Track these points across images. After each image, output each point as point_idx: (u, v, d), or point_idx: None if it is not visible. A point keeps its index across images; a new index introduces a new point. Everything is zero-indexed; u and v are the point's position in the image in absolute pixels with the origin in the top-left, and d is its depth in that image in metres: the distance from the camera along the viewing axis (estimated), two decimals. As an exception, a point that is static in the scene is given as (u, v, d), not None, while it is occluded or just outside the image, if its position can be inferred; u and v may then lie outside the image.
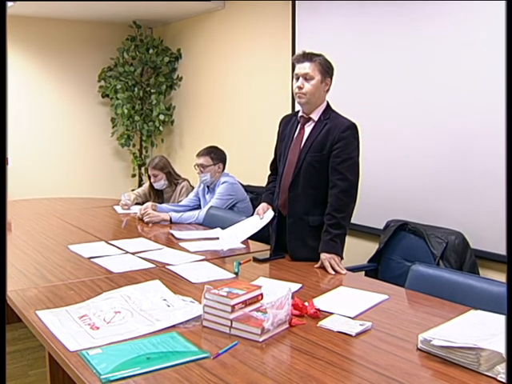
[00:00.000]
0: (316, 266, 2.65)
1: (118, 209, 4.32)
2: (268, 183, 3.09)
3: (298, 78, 2.74)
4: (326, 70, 2.74)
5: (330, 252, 2.62)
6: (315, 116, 2.78)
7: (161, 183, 4.39)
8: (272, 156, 3.08)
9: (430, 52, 3.48)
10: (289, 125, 2.92)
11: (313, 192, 2.74)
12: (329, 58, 2.79)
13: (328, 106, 2.81)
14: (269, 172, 3.11)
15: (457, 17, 3.32)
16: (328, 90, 2.79)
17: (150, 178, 4.45)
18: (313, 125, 2.78)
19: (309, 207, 2.76)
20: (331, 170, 2.69)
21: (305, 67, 2.70)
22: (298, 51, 2.85)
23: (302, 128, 2.82)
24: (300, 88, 2.71)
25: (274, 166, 3.05)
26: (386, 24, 3.74)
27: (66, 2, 5.19)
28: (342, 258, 2.66)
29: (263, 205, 2.98)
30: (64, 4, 5.28)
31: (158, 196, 4.46)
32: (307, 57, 2.72)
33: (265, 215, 2.92)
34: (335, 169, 2.68)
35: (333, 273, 2.57)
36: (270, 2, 4.81)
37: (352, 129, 2.71)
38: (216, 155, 3.92)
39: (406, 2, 3.59)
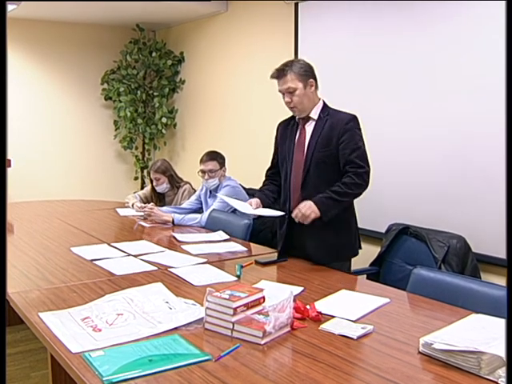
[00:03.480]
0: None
1: (121, 211, 4.32)
2: (264, 185, 3.07)
3: (283, 94, 2.77)
4: (304, 73, 2.76)
5: (316, 204, 2.63)
6: (314, 115, 2.81)
7: (163, 187, 4.39)
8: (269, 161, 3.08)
9: (434, 56, 3.48)
10: (288, 128, 2.93)
11: (326, 188, 2.72)
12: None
13: (325, 103, 2.84)
14: (263, 178, 3.09)
15: (458, 20, 3.33)
16: (317, 88, 2.82)
17: (152, 181, 4.46)
18: (313, 123, 2.80)
19: None
20: (343, 162, 2.72)
21: (283, 82, 2.74)
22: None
23: (303, 128, 2.83)
24: (289, 103, 2.76)
25: (272, 171, 3.05)
26: (389, 27, 3.75)
27: (69, 5, 5.21)
28: (320, 218, 2.66)
29: (255, 199, 2.89)
30: (67, 7, 5.30)
31: (159, 199, 4.46)
32: (281, 72, 2.74)
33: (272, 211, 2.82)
34: (346, 160, 2.70)
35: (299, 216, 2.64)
36: (272, 5, 4.82)
37: (354, 120, 2.76)
38: (221, 159, 3.94)
39: (409, 5, 3.60)
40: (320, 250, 2.78)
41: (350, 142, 2.70)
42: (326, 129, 2.75)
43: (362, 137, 2.76)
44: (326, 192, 2.68)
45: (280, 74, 2.75)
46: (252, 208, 2.83)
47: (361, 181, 2.70)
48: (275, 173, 3.03)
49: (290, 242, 2.89)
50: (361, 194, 2.75)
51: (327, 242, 2.77)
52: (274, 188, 3.00)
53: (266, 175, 3.11)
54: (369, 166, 2.74)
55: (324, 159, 2.74)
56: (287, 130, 2.93)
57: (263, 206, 2.88)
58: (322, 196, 2.68)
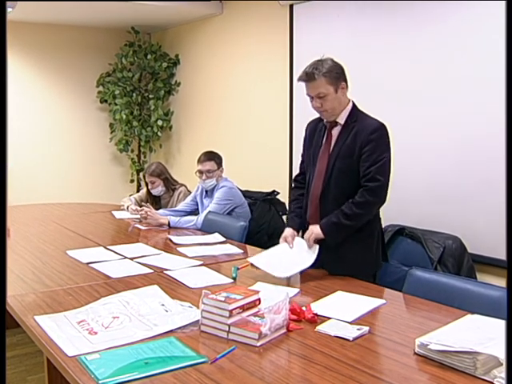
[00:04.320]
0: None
1: (117, 214, 4.32)
2: (293, 200, 2.89)
3: (312, 98, 2.59)
4: (336, 76, 2.56)
5: (323, 230, 2.57)
6: (341, 120, 2.64)
7: (158, 189, 4.39)
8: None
9: (431, 56, 3.49)
10: (316, 131, 2.76)
11: (345, 200, 2.58)
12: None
13: (354, 106, 2.67)
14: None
15: (458, 20, 3.34)
16: (347, 90, 2.65)
17: (147, 184, 4.45)
18: (340, 129, 2.65)
19: None
20: (361, 175, 2.56)
21: (314, 87, 2.55)
22: (301, 67, 2.66)
23: (329, 133, 2.68)
24: (318, 107, 2.60)
25: (302, 177, 2.88)
26: (386, 27, 3.76)
27: (64, 8, 5.20)
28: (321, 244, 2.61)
29: (289, 231, 2.72)
30: (63, 9, 5.30)
31: (155, 202, 4.45)
32: (311, 76, 2.54)
33: (312, 250, 2.61)
34: (365, 173, 2.55)
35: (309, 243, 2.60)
36: (267, 7, 4.83)
37: (381, 130, 2.58)
38: (218, 159, 3.92)
39: (407, 5, 3.60)
40: (337, 265, 2.63)
41: (371, 154, 2.53)
42: (350, 137, 2.58)
43: (388, 147, 2.58)
44: (336, 214, 2.56)
45: (310, 77, 2.54)
46: (289, 247, 2.65)
47: (373, 197, 2.54)
48: (304, 179, 2.84)
49: None
50: (376, 209, 2.64)
51: (345, 257, 2.63)
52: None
53: (295, 180, 2.94)
54: (386, 179, 2.56)
55: (345, 170, 2.59)
56: (315, 132, 2.76)
57: (298, 232, 2.73)
58: (329, 219, 2.58)
